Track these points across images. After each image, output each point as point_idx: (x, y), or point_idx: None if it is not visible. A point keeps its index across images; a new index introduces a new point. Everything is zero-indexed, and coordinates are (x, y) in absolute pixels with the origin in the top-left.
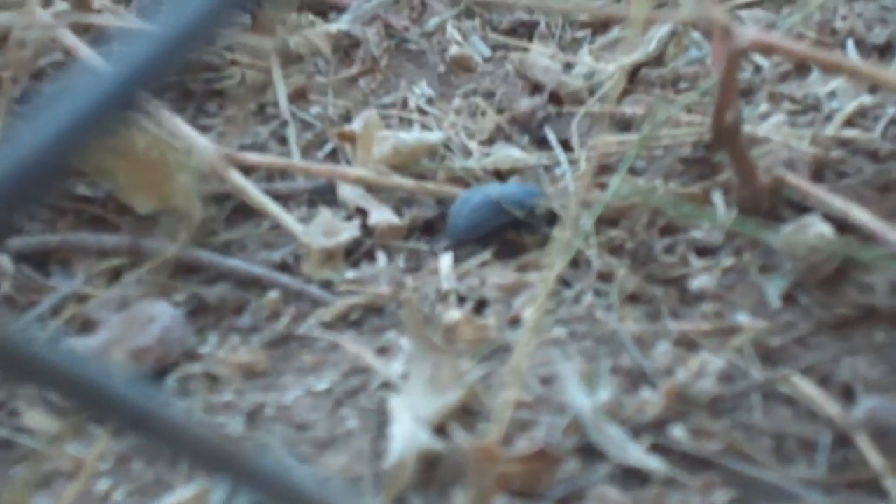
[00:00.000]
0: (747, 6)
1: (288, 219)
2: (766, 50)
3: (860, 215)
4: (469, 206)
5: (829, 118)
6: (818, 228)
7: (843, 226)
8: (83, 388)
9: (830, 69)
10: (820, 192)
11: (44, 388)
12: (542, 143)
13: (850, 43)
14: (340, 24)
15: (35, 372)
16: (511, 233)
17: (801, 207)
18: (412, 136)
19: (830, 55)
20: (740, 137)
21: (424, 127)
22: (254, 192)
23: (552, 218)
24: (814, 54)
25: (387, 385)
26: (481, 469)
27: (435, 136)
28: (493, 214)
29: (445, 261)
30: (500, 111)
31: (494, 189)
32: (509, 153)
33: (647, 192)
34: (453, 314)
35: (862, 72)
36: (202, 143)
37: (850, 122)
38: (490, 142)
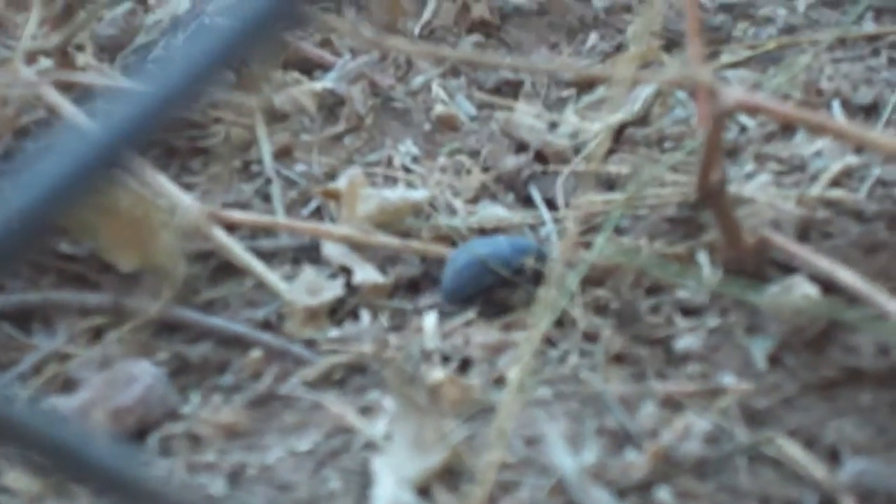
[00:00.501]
0: (732, 66)
1: (271, 277)
2: (752, 110)
3: (846, 276)
4: (454, 268)
5: (814, 178)
6: (804, 289)
7: (828, 287)
8: (61, 451)
9: (816, 130)
10: (805, 253)
11: (23, 449)
12: (527, 201)
13: (836, 103)
14: (325, 83)
15: (14, 433)
16: (499, 291)
17: (787, 268)
18: (397, 193)
19: (815, 116)
20: (725, 197)
21: (409, 185)
22: (237, 249)
23: (539, 276)
24: (799, 115)
25: (370, 445)
26: None
27: (419, 194)
28: (478, 275)
29: (430, 320)
30: (485, 170)
31: (482, 246)
32: (494, 212)
33: (631, 252)
34: (437, 374)
35: (846, 133)
36: (186, 201)
37: (835, 183)
38: (475, 200)
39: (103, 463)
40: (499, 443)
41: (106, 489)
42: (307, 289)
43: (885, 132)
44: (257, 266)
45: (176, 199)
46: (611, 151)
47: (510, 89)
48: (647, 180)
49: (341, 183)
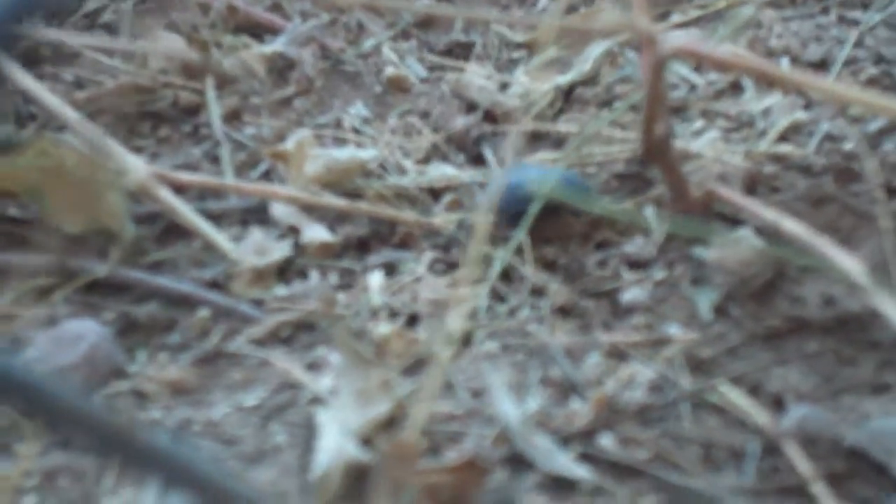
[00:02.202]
0: (683, 25)
1: (219, 237)
2: (691, 57)
3: (792, 227)
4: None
5: (762, 134)
6: (750, 241)
7: (775, 239)
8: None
9: (753, 75)
10: (752, 206)
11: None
12: (477, 161)
13: (785, 60)
14: (275, 46)
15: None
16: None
17: (734, 221)
18: (345, 153)
19: (752, 61)
20: (671, 151)
21: (359, 146)
22: (185, 211)
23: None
24: (735, 60)
25: (316, 400)
26: (398, 467)
27: (367, 154)
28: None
29: (376, 277)
30: (435, 130)
31: (533, 171)
32: (444, 171)
33: (581, 203)
34: (383, 328)
35: (779, 77)
36: (133, 163)
37: (783, 138)
38: (426, 161)
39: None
40: (432, 389)
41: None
42: (255, 249)
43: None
44: (205, 227)
45: (124, 161)
46: (561, 111)
47: (461, 51)
48: (589, 136)
49: (289, 144)
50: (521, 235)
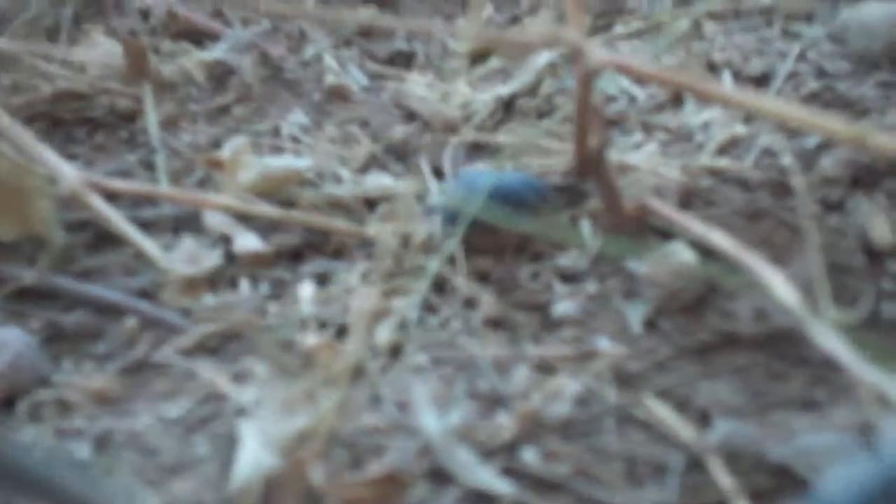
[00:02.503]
0: (625, 37)
1: (149, 246)
2: (619, 69)
3: (722, 241)
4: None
5: (700, 148)
6: (682, 255)
7: (707, 253)
8: None
9: (679, 89)
10: (682, 219)
11: None
12: (416, 170)
13: (727, 73)
14: (215, 53)
15: None
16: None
17: (668, 235)
18: (279, 162)
19: (677, 74)
20: (605, 164)
21: (296, 155)
22: (115, 218)
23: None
24: (661, 74)
25: (240, 411)
26: (291, 480)
27: (302, 163)
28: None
29: (307, 287)
30: (374, 140)
31: (489, 176)
32: (380, 181)
33: (514, 218)
34: (311, 339)
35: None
36: (65, 170)
37: (722, 152)
38: (364, 170)
39: None
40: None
41: None
42: (186, 258)
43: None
44: (135, 235)
45: (56, 167)
46: (501, 121)
47: (403, 60)
48: (522, 146)
49: (225, 152)
50: (453, 246)
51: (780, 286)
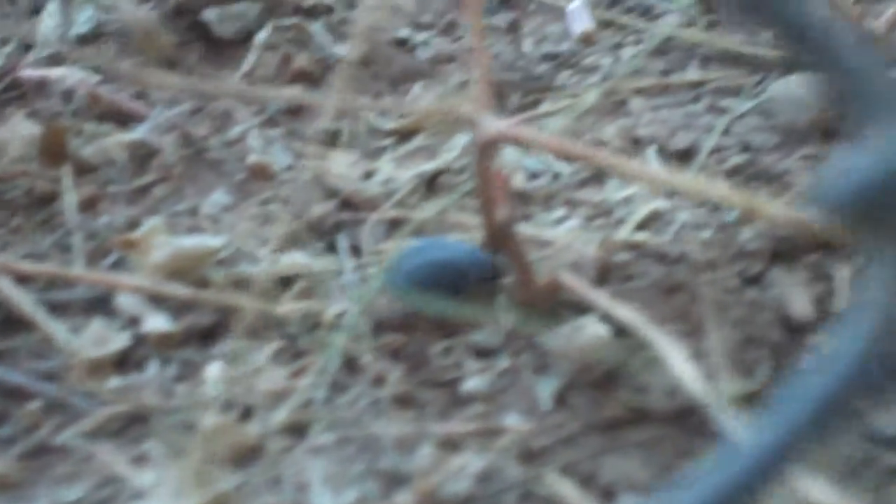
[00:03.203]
0: (551, 114)
1: (56, 328)
2: (513, 142)
3: (626, 315)
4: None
5: (621, 223)
6: (594, 330)
7: (622, 328)
8: None
9: (578, 160)
10: (593, 294)
11: None
12: (336, 249)
13: (652, 149)
14: (137, 134)
15: None
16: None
17: (583, 309)
18: (191, 242)
19: (574, 147)
20: (514, 239)
21: (214, 235)
22: (23, 301)
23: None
24: (557, 146)
25: (138, 494)
26: None
27: (215, 242)
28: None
29: (213, 368)
30: (295, 218)
31: (440, 250)
32: (296, 259)
33: (424, 298)
34: (212, 421)
35: (597, 161)
36: None
37: (642, 227)
38: (283, 249)
39: None
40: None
41: None
42: (94, 340)
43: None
44: (42, 317)
45: None
46: (423, 198)
47: (329, 138)
48: (439, 222)
49: (139, 233)
50: (359, 323)
51: (679, 362)
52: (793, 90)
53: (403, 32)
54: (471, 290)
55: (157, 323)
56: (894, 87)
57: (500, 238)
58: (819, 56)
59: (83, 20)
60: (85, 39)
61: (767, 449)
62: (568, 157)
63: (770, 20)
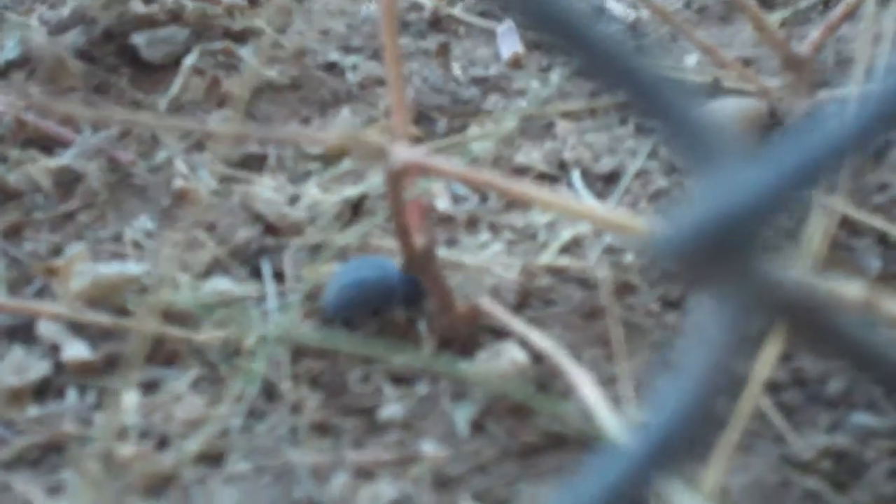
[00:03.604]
0: (479, 138)
1: None
2: (423, 172)
3: (539, 341)
4: (339, 285)
5: (544, 247)
6: (512, 355)
7: (539, 353)
8: None
9: (487, 189)
10: (511, 320)
11: None
12: (259, 274)
13: (576, 173)
14: (63, 160)
15: None
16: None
17: (502, 334)
18: (112, 269)
19: (481, 175)
20: (434, 264)
21: (138, 261)
22: None
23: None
24: (471, 176)
25: None
26: None
27: (137, 269)
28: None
29: (130, 396)
30: (220, 243)
31: (369, 268)
32: (219, 285)
33: (337, 335)
34: (127, 450)
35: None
36: None
37: (565, 251)
38: (207, 274)
39: None
40: None
41: None
42: (13, 368)
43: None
44: None
45: None
46: (349, 222)
47: (256, 163)
48: (360, 246)
49: (61, 260)
50: (278, 350)
51: (585, 387)
52: (716, 113)
53: (333, 56)
54: (397, 308)
55: (76, 351)
56: (719, 135)
57: (418, 265)
58: (650, 104)
59: (10, 46)
60: (11, 65)
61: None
62: (477, 187)
63: (599, 71)
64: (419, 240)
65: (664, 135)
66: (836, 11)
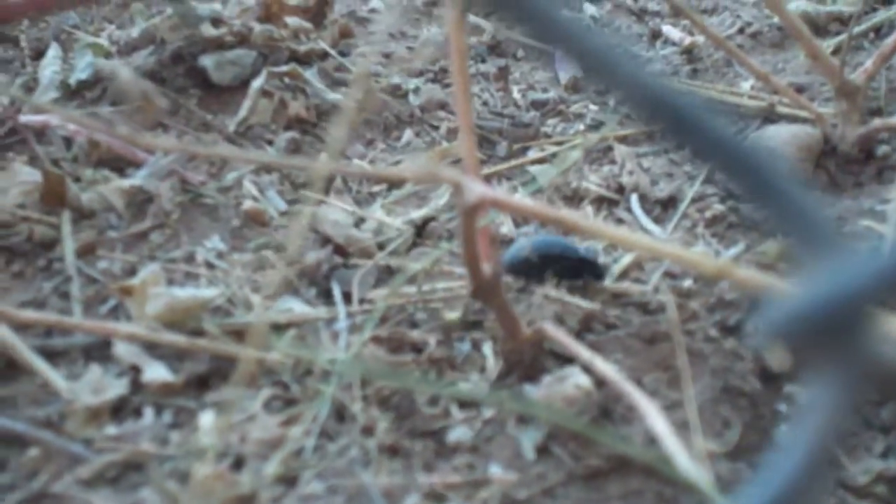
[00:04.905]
0: (538, 161)
1: (54, 376)
2: (495, 206)
3: (603, 367)
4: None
5: (606, 270)
6: (577, 380)
7: (602, 377)
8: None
9: (550, 223)
10: (574, 345)
11: None
12: (328, 295)
13: (634, 197)
14: (135, 180)
15: None
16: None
17: (567, 359)
18: (186, 292)
19: (547, 210)
20: (501, 290)
21: (210, 281)
22: (21, 349)
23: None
24: (532, 210)
25: None
26: None
27: (209, 293)
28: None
29: (207, 417)
30: (289, 264)
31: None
32: (290, 306)
33: (399, 373)
34: (205, 470)
35: (569, 223)
36: None
37: (625, 275)
38: (277, 295)
39: None
40: None
41: None
42: (91, 387)
43: (678, 223)
44: (40, 365)
45: None
46: (414, 245)
47: (322, 184)
48: (429, 271)
49: (136, 280)
50: (352, 373)
51: (652, 416)
52: (771, 139)
53: (396, 79)
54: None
55: (157, 372)
56: (830, 222)
57: (486, 291)
58: (760, 192)
59: (82, 66)
60: (84, 85)
61: None
62: (541, 221)
63: (712, 159)
64: (487, 268)
65: (776, 223)
66: (889, 40)
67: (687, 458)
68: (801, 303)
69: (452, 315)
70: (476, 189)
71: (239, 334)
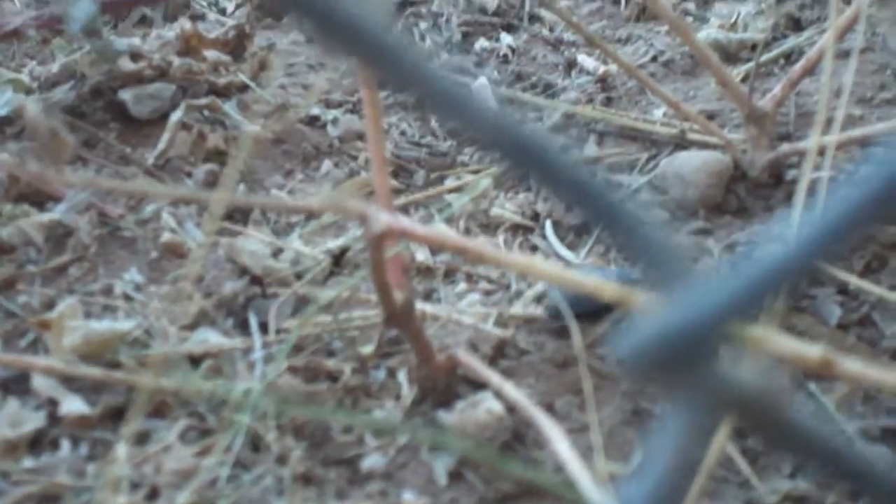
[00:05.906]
0: (454, 190)
1: None
2: (401, 236)
3: (512, 394)
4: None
5: (518, 296)
6: (489, 405)
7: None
8: None
9: (454, 252)
10: (486, 371)
11: None
12: (245, 326)
13: (549, 224)
14: (54, 214)
15: None
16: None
17: (479, 385)
18: (102, 325)
19: (452, 239)
20: (414, 318)
21: (127, 314)
22: None
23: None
24: (437, 238)
25: None
26: None
27: (126, 325)
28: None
29: (122, 449)
30: (207, 295)
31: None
32: (206, 337)
33: (317, 405)
34: (121, 501)
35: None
36: None
37: (538, 300)
38: (194, 326)
39: None
40: None
41: None
42: (9, 421)
43: (591, 248)
44: None
45: None
46: (331, 274)
47: (240, 216)
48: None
49: (54, 314)
50: (266, 402)
51: (557, 440)
52: (681, 166)
53: (314, 110)
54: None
55: (73, 405)
56: (681, 251)
57: (399, 319)
58: (613, 225)
59: (2, 102)
60: (4, 121)
61: None
62: (446, 250)
63: (565, 195)
64: (399, 296)
65: (628, 253)
66: (797, 67)
67: (590, 482)
68: (652, 331)
69: (367, 349)
70: (382, 219)
71: (154, 365)
